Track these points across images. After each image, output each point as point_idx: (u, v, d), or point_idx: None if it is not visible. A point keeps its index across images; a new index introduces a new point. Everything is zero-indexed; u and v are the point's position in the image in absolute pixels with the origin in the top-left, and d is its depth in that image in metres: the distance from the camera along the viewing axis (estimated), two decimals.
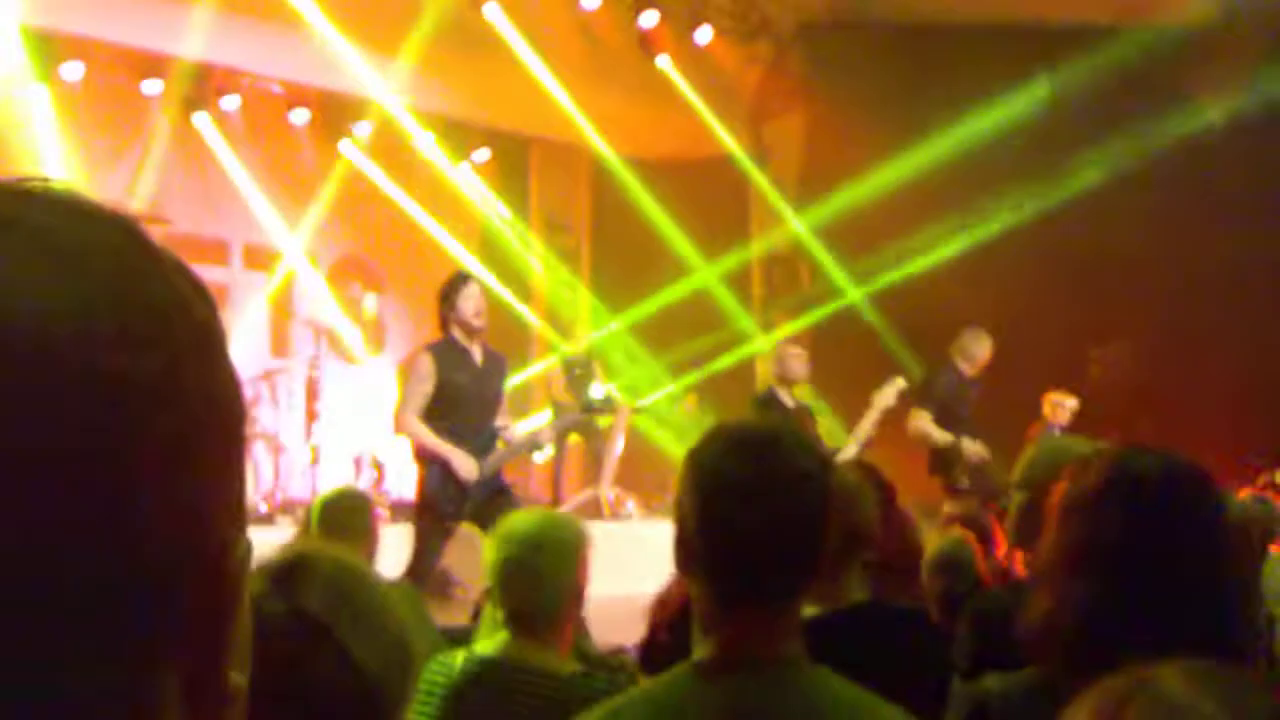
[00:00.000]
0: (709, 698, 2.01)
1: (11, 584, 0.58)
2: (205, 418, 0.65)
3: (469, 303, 7.46)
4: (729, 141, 14.12)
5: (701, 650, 2.05)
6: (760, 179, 14.38)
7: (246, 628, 0.71)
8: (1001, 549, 5.76)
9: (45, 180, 0.66)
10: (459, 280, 7.66)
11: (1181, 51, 11.68)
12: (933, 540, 5.02)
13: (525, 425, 8.22)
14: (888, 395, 9.46)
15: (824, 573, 2.06)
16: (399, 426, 7.53)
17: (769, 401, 9.53)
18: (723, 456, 2.06)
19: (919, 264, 12.49)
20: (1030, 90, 11.92)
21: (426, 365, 7.43)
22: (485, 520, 7.30)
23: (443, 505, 7.39)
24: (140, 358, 0.61)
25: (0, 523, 0.58)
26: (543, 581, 3.29)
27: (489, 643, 3.36)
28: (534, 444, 8.09)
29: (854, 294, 13.23)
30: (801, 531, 2.03)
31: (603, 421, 12.18)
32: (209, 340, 0.66)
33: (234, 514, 0.68)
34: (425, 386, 7.40)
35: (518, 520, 3.45)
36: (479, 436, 7.47)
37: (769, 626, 2.03)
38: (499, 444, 7.60)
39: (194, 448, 0.64)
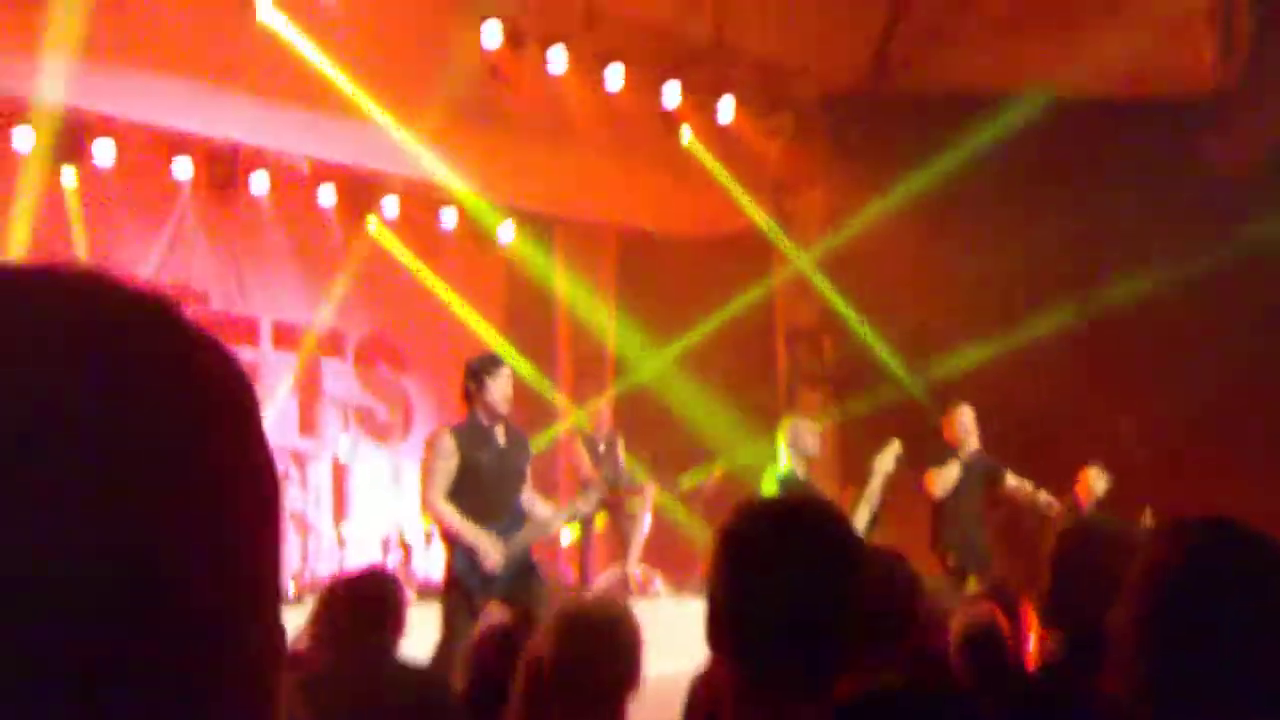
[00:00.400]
0: None
1: (32, 623, 0.58)
2: (234, 488, 0.65)
3: (500, 387, 7.46)
4: (754, 214, 14.15)
5: None
6: (785, 252, 14.39)
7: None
8: (1030, 626, 5.68)
9: (77, 262, 0.68)
10: (491, 363, 7.65)
11: (1199, 120, 11.75)
12: (960, 616, 4.96)
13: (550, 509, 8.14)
14: (886, 460, 9.47)
15: (857, 659, 2.02)
16: (426, 509, 7.52)
17: (787, 481, 9.49)
18: (754, 531, 2.04)
19: (955, 360, 12.44)
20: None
21: (449, 445, 7.43)
22: (515, 598, 7.27)
23: (470, 585, 7.35)
24: (162, 419, 0.62)
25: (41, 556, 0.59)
26: (608, 672, 3.20)
27: None
28: (573, 514, 8.05)
29: (905, 379, 13.12)
30: (833, 606, 1.99)
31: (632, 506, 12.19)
32: (237, 415, 0.67)
33: (273, 590, 0.68)
34: (449, 465, 7.39)
35: (574, 610, 3.36)
36: (504, 515, 7.45)
37: (797, 705, 1.98)
38: (527, 521, 7.58)
39: (222, 514, 0.64)
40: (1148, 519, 9.80)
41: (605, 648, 3.19)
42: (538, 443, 12.22)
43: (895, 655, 3.21)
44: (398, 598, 5.16)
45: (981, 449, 10.04)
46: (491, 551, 7.31)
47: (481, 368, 7.57)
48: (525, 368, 13.98)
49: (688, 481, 13.34)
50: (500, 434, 7.54)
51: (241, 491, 0.66)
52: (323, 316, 13.87)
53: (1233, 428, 11.53)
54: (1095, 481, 10.63)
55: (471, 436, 7.47)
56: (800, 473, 9.54)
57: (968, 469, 9.93)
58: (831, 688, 2.01)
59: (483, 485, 7.44)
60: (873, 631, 2.04)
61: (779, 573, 1.97)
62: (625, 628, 3.27)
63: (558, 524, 8.13)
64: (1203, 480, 10.66)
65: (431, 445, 7.67)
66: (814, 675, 1.99)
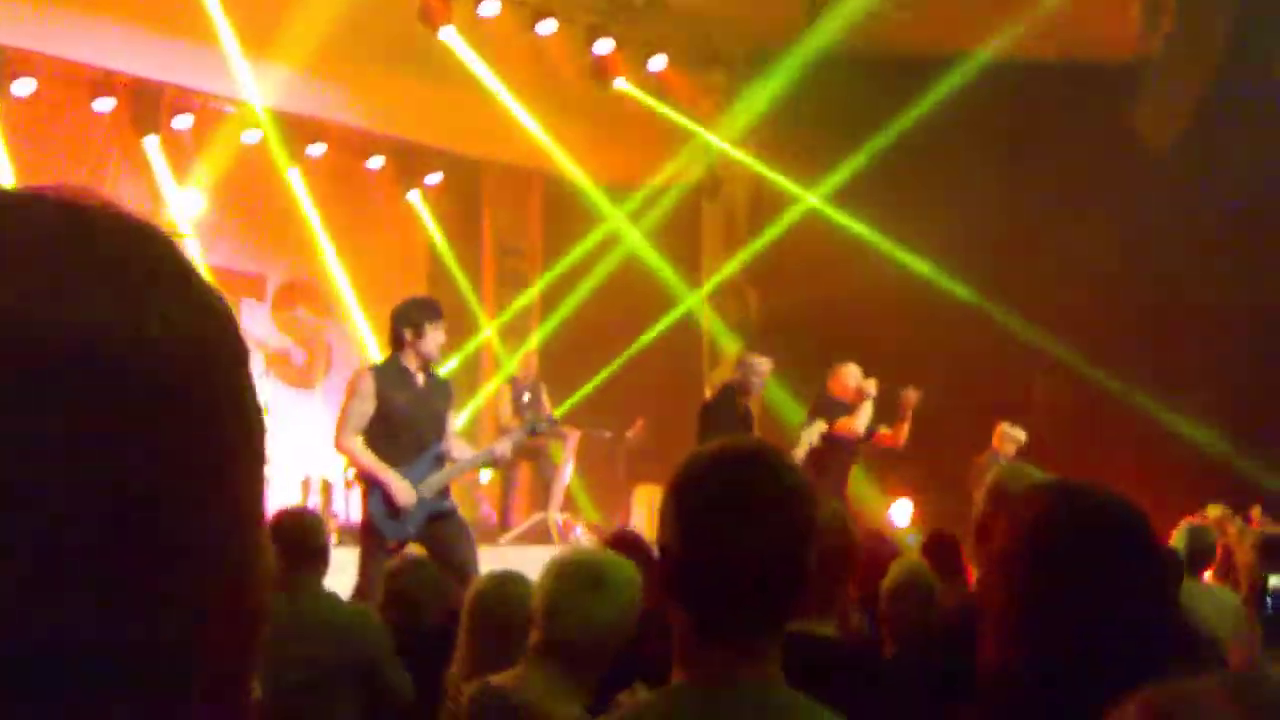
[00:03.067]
0: None
1: (47, 579, 0.59)
2: (235, 425, 0.67)
3: (436, 336, 7.47)
4: (681, 167, 14.18)
5: (678, 674, 2.03)
6: (711, 204, 14.45)
7: (264, 636, 0.71)
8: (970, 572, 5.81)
9: (84, 190, 0.69)
10: (431, 311, 7.60)
11: (1125, 84, 11.91)
12: (892, 569, 5.06)
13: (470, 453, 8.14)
14: (812, 433, 9.82)
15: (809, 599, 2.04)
16: (337, 444, 7.53)
17: (723, 405, 9.60)
18: (707, 481, 2.03)
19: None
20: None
21: (368, 385, 7.43)
22: (432, 541, 7.33)
23: (383, 528, 7.38)
24: (180, 362, 0.64)
25: (39, 516, 0.59)
26: (591, 618, 3.24)
27: (510, 673, 3.32)
28: (489, 459, 8.05)
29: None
30: (787, 556, 2.00)
31: (554, 454, 12.25)
32: (238, 351, 0.69)
33: (261, 521, 0.70)
34: (365, 406, 7.41)
35: (577, 553, 3.49)
36: (420, 458, 7.46)
37: (745, 652, 2.00)
38: (446, 464, 7.60)
39: (227, 453, 0.66)
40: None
41: (599, 597, 3.27)
42: (466, 405, 12.35)
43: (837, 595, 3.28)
44: (319, 534, 5.23)
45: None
46: (403, 489, 7.35)
47: (420, 315, 7.52)
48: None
49: (611, 431, 13.39)
50: (420, 377, 7.55)
51: (229, 430, 0.67)
52: (244, 259, 13.73)
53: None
54: (1010, 435, 10.91)
55: (392, 378, 7.47)
56: (740, 403, 9.66)
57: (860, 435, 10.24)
58: (781, 629, 2.04)
59: (397, 426, 7.44)
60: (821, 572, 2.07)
61: (732, 523, 1.99)
62: (626, 582, 3.34)
63: (473, 466, 8.14)
64: (1112, 436, 10.89)
65: (351, 385, 7.68)
66: (765, 620, 2.02)
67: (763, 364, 9.89)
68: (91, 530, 0.60)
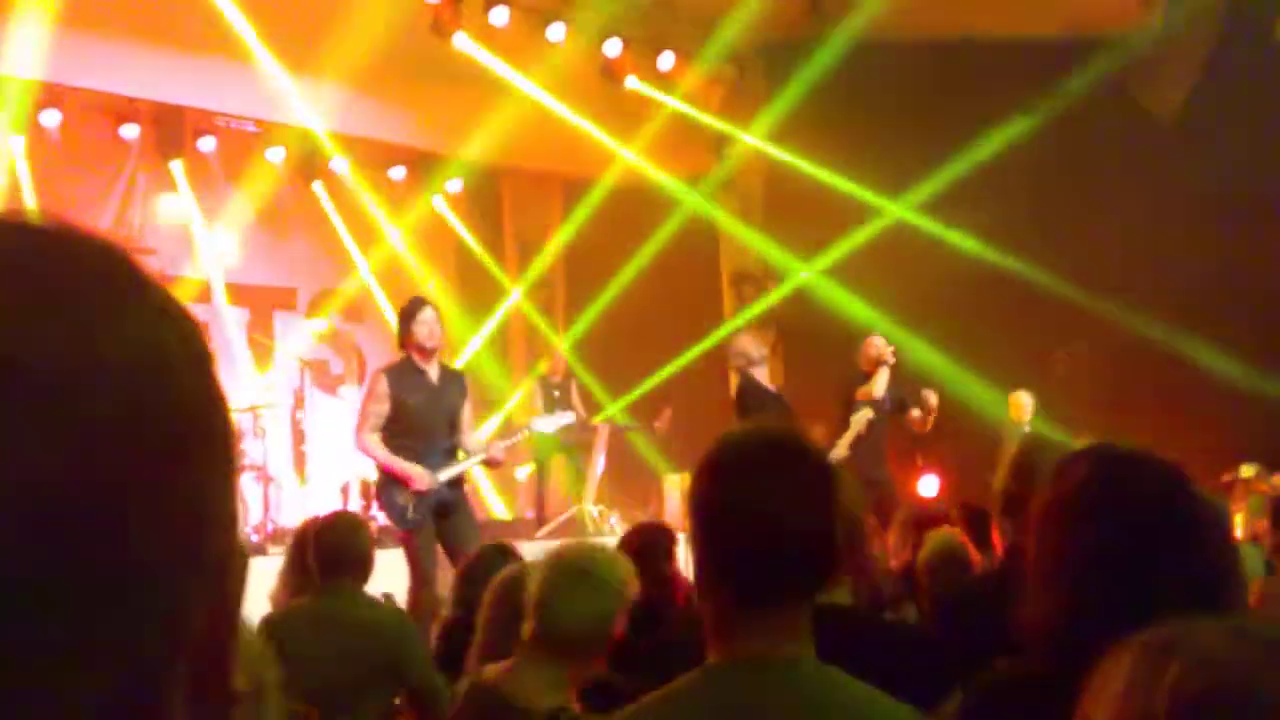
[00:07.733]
0: (722, 700, 2.04)
1: (19, 577, 0.59)
2: (198, 428, 0.67)
3: (422, 327, 7.80)
4: (695, 162, 14.36)
5: (714, 654, 2.08)
6: (726, 198, 14.62)
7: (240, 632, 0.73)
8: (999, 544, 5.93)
9: (34, 214, 0.68)
10: (414, 305, 7.98)
11: (1128, 58, 12.04)
12: (930, 539, 5.18)
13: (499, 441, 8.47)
14: (860, 419, 10.00)
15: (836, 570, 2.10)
16: (357, 444, 7.88)
17: (751, 389, 9.77)
18: (735, 461, 2.10)
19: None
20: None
21: (381, 386, 7.83)
22: (438, 533, 7.73)
23: (394, 512, 7.72)
24: (134, 376, 0.64)
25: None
26: (578, 609, 3.29)
27: (501, 664, 3.38)
28: (484, 460, 8.29)
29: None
30: (813, 534, 2.07)
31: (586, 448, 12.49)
32: (199, 357, 0.69)
33: (233, 522, 0.70)
34: (380, 406, 7.77)
35: (570, 546, 3.52)
36: (433, 451, 7.81)
37: (780, 628, 2.05)
38: (459, 455, 7.92)
39: (191, 455, 0.66)
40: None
41: (586, 587, 3.32)
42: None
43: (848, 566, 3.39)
44: (357, 541, 5.38)
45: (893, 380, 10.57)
46: (422, 475, 7.67)
47: (406, 311, 7.93)
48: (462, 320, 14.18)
49: (639, 422, 13.60)
50: (434, 374, 7.88)
51: (196, 439, 0.66)
52: (275, 273, 14.00)
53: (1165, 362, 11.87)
54: (1025, 402, 11.20)
55: (404, 378, 7.82)
56: (763, 380, 9.86)
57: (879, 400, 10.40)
58: (810, 602, 2.11)
59: (413, 423, 7.79)
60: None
61: (758, 507, 2.07)
62: (613, 574, 3.40)
63: (472, 465, 8.35)
64: (1135, 409, 11.04)
65: (368, 387, 8.05)
66: (793, 596, 2.10)
67: (748, 344, 10.03)
68: (53, 559, 0.59)
